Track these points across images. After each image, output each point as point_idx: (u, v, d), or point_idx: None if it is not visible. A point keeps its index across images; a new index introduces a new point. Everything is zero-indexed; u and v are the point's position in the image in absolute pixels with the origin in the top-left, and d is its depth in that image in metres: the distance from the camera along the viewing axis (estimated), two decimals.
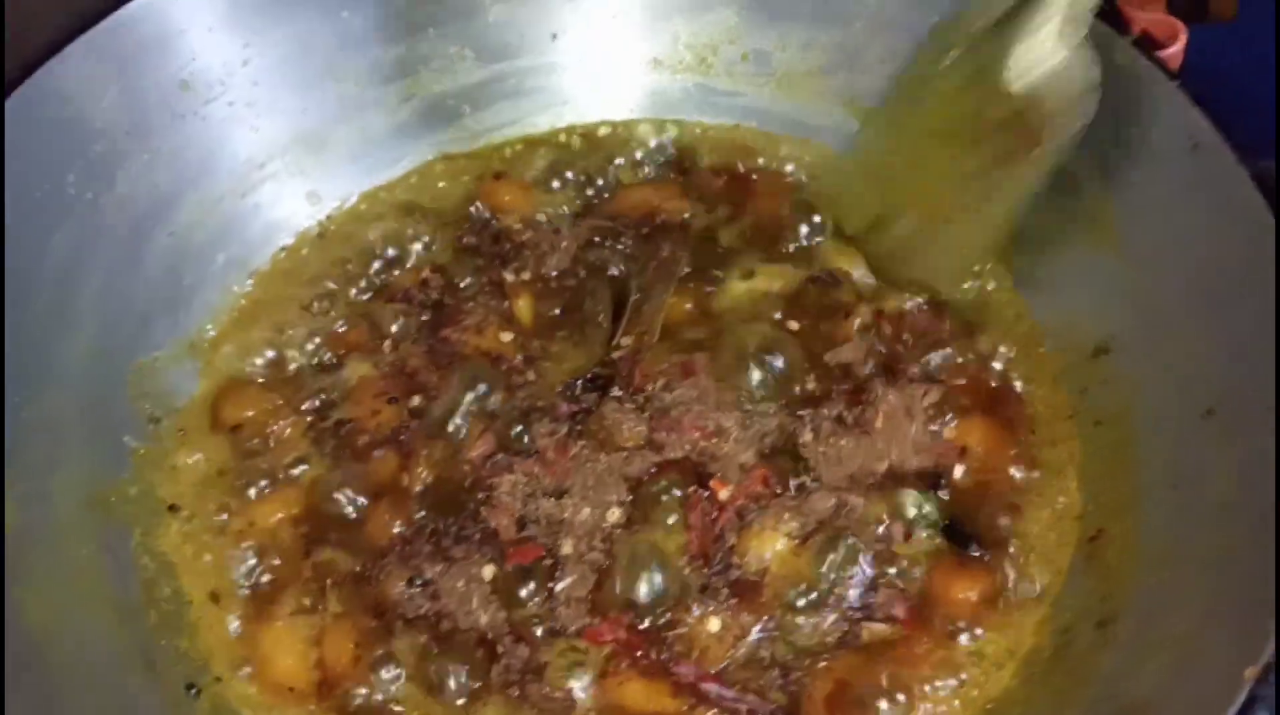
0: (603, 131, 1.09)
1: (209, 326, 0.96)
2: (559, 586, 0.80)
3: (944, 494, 0.85)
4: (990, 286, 0.96)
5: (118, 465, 0.87)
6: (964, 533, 0.83)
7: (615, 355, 0.91)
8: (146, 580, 0.83)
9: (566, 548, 0.81)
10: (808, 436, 0.85)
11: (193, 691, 0.79)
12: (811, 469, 0.84)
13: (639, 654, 0.79)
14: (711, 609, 0.80)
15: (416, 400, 0.90)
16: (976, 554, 0.82)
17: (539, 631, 0.79)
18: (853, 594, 0.80)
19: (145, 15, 0.91)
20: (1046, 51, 0.82)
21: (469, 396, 0.89)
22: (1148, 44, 0.88)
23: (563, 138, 1.09)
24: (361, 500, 0.86)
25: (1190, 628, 0.71)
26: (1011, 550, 0.82)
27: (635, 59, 1.09)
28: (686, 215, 1.02)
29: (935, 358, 0.91)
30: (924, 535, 0.82)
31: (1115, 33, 0.88)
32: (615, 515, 0.82)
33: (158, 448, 0.89)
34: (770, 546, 0.81)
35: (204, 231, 0.97)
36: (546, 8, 1.07)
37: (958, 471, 0.86)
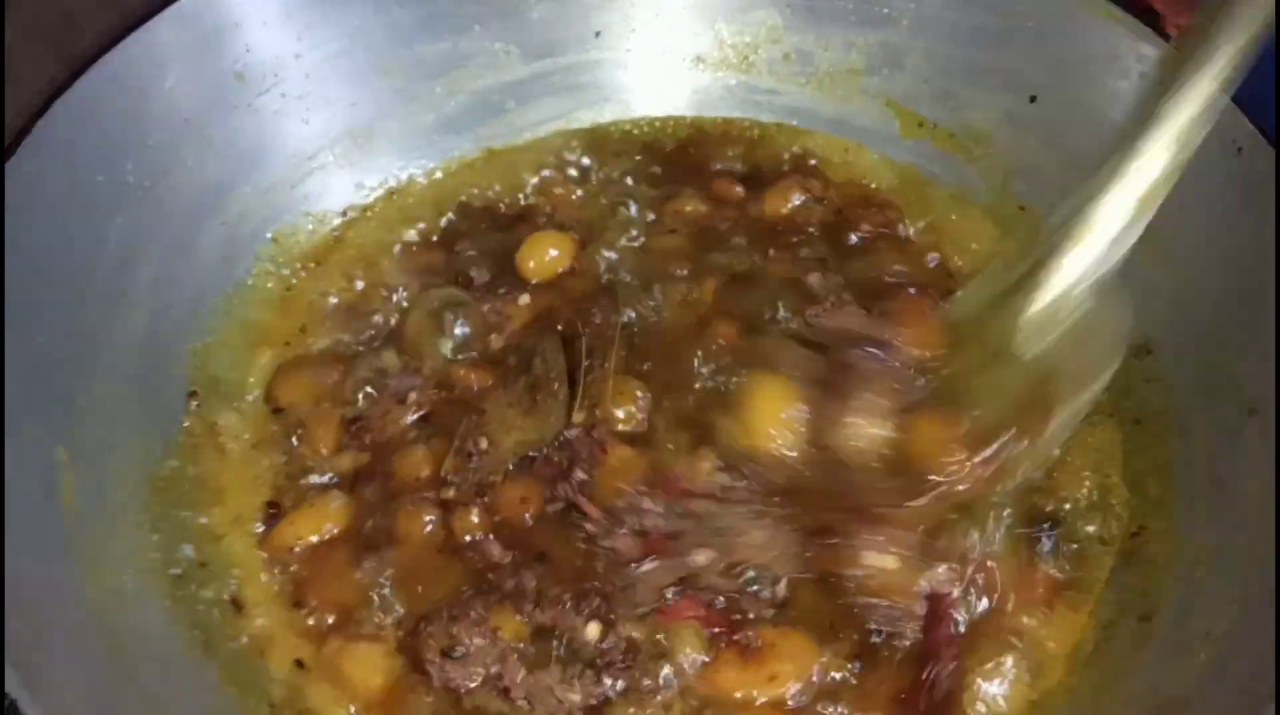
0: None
1: (258, 314, 0.97)
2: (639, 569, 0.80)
3: None
4: None
5: (171, 447, 0.88)
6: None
7: (570, 433, 0.86)
8: (199, 559, 0.84)
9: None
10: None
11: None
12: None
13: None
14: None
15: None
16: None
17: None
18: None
19: (202, 8, 0.93)
20: (1067, 308, 0.75)
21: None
22: None
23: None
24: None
25: (1229, 625, 0.71)
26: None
27: (678, 57, 1.10)
28: None
29: None
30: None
31: (1156, 34, 0.88)
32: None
33: (209, 430, 0.91)
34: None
35: (254, 221, 0.99)
36: (589, 6, 1.08)
37: None
